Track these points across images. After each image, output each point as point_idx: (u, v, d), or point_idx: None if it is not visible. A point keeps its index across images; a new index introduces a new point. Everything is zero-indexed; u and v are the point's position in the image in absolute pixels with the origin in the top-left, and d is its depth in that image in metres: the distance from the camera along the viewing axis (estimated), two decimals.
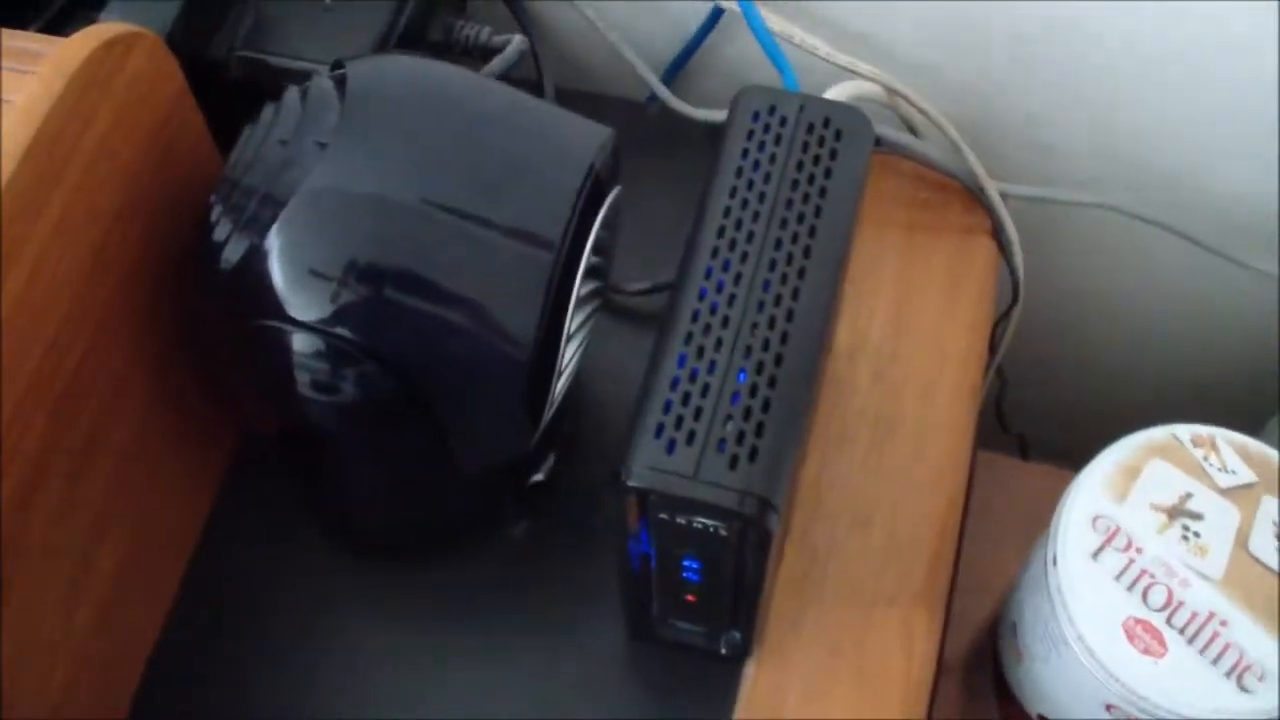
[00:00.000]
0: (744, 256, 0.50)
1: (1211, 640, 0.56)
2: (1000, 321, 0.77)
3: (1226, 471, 0.59)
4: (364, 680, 0.61)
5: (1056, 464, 0.73)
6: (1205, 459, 0.60)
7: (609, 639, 0.61)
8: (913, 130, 0.73)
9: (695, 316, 0.49)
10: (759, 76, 0.68)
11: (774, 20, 0.70)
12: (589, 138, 0.53)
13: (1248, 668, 0.55)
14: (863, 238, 0.68)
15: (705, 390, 0.47)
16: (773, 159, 0.52)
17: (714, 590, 0.54)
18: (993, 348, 0.77)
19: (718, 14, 0.75)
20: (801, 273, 0.50)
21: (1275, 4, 0.64)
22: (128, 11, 0.60)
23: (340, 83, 0.52)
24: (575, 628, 0.62)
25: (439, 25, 0.68)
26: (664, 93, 0.74)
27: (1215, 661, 0.56)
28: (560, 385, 0.53)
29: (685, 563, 0.52)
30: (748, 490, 0.46)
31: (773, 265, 0.50)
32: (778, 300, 0.49)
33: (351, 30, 0.64)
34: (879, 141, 0.70)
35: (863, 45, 0.73)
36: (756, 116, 0.54)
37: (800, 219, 0.51)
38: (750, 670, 0.60)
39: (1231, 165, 0.74)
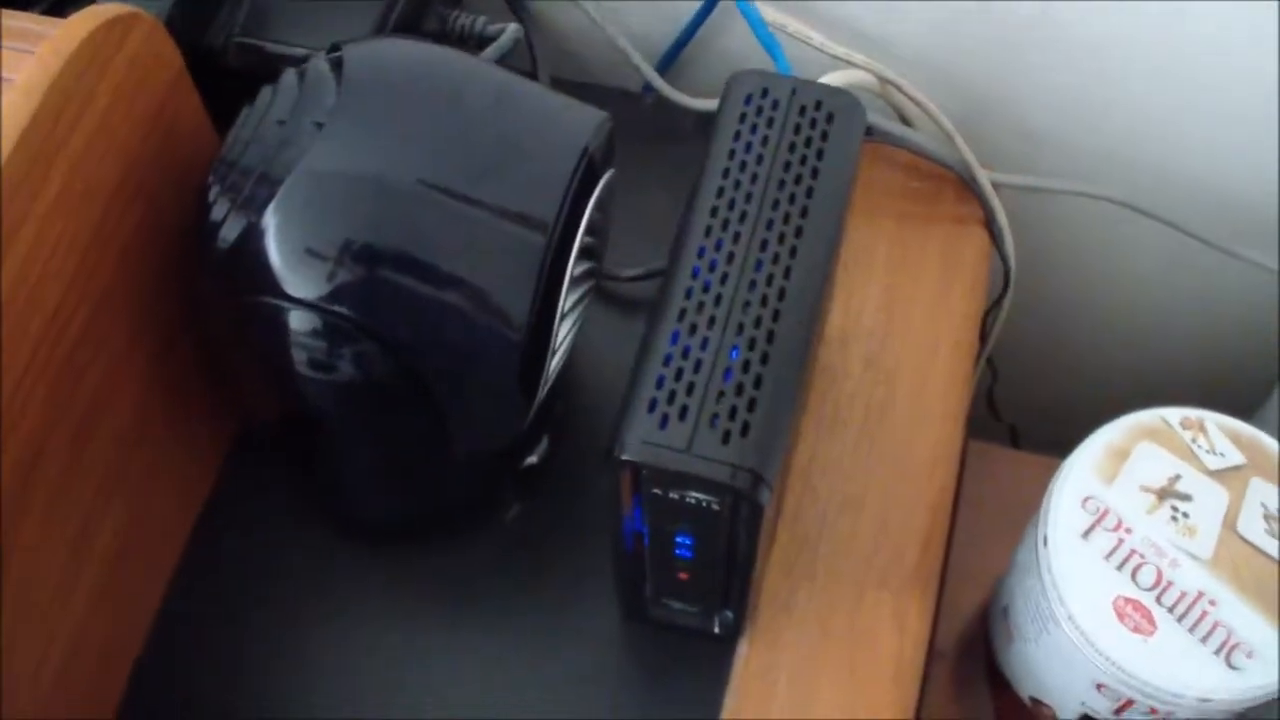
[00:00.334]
0: (736, 236, 0.51)
1: (1200, 619, 0.56)
2: (991, 310, 0.77)
3: (1215, 454, 0.60)
4: (360, 663, 0.61)
5: (1048, 454, 0.74)
6: (1194, 441, 0.60)
7: (603, 620, 0.62)
8: (905, 120, 0.74)
9: (689, 294, 0.49)
10: (753, 67, 0.69)
11: (768, 10, 0.71)
12: (584, 121, 0.54)
13: (1236, 646, 0.56)
14: (855, 226, 0.68)
15: (698, 366, 0.48)
16: (765, 141, 0.53)
17: (707, 568, 0.54)
18: (983, 337, 0.77)
19: (712, 4, 0.75)
20: (794, 251, 0.50)
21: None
22: None
23: (337, 65, 0.52)
24: (569, 609, 0.62)
25: (434, 14, 0.69)
26: (659, 83, 0.74)
27: (1204, 640, 0.56)
28: (555, 363, 0.54)
29: (678, 539, 0.52)
30: (740, 465, 0.46)
31: (765, 244, 0.50)
32: (770, 279, 0.50)
33: (348, 17, 0.65)
34: (871, 131, 0.71)
35: (856, 35, 0.74)
36: (749, 99, 0.54)
37: (792, 199, 0.52)
38: (743, 650, 0.61)
39: (1226, 156, 0.75)
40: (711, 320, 0.49)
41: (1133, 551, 0.58)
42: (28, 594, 0.52)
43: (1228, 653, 0.56)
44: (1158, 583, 0.57)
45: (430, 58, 0.55)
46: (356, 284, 0.50)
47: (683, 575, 0.55)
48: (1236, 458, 0.60)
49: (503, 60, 0.68)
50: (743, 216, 0.51)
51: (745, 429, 0.47)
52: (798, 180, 0.52)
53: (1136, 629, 0.57)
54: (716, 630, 0.59)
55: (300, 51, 0.64)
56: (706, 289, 0.49)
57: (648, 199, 0.67)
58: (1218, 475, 0.59)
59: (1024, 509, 0.65)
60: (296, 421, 0.58)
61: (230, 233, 0.50)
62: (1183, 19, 0.68)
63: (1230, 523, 0.58)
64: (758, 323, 0.49)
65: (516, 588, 0.63)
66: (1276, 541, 0.58)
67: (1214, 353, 0.87)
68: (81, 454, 0.54)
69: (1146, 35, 0.70)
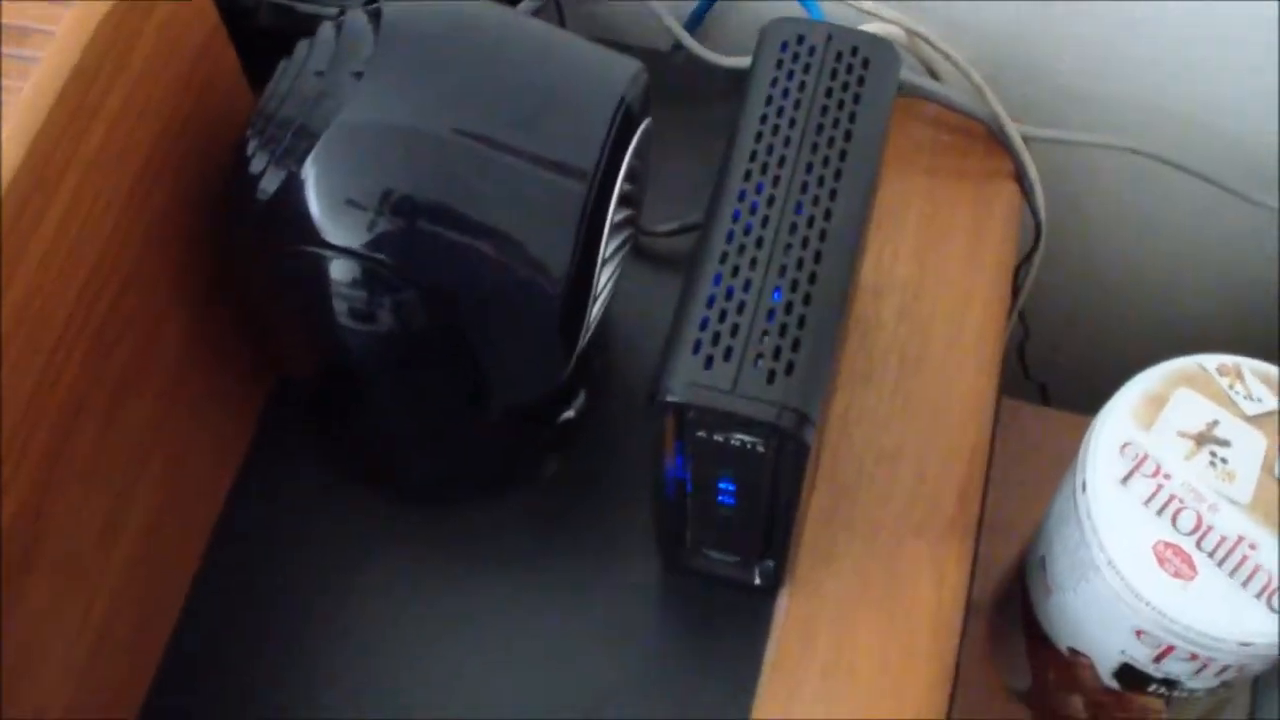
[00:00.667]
0: (776, 180, 0.51)
1: (1241, 563, 0.56)
2: (1022, 265, 0.77)
3: (1252, 399, 0.60)
4: (397, 621, 0.62)
5: (1077, 412, 0.74)
6: (1231, 387, 0.60)
7: (642, 573, 0.62)
8: (934, 74, 0.74)
9: (730, 237, 0.49)
10: None
11: None
12: (620, 70, 0.54)
13: (1277, 589, 0.56)
14: (886, 180, 0.68)
15: (741, 308, 0.48)
16: (802, 86, 0.53)
17: (749, 514, 0.54)
18: (1014, 292, 0.77)
19: None
20: (833, 194, 0.51)
21: None
22: None
23: (375, 16, 0.52)
24: (608, 563, 0.62)
25: None
26: (689, 41, 0.74)
27: (1245, 584, 0.56)
28: (595, 311, 0.54)
29: (720, 485, 0.52)
30: (785, 404, 0.46)
31: (804, 187, 0.51)
32: (810, 221, 0.50)
33: None
34: (901, 85, 0.71)
35: None
36: (785, 46, 0.54)
37: (830, 143, 0.52)
38: (783, 601, 0.61)
39: (1257, 108, 0.75)
40: (754, 262, 0.49)
41: (1172, 496, 0.58)
42: (70, 554, 0.53)
43: (1269, 596, 0.56)
44: (1197, 527, 0.57)
45: (467, 9, 0.54)
46: (397, 232, 0.50)
47: (724, 523, 0.55)
48: (1273, 403, 0.60)
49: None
50: (781, 160, 0.51)
51: (790, 368, 0.47)
52: (835, 124, 0.52)
53: (1177, 574, 0.57)
54: (757, 581, 0.59)
55: (331, 11, 0.64)
56: (748, 231, 0.49)
57: (677, 157, 0.67)
58: (1255, 420, 0.59)
59: (1055, 465, 0.65)
60: (334, 378, 0.58)
61: (270, 184, 0.51)
62: None
63: (1269, 467, 0.58)
64: (799, 264, 0.49)
65: (555, 543, 0.63)
66: None
67: (1246, 305, 0.87)
68: (120, 412, 0.54)
69: None
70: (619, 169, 0.53)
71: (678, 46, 0.75)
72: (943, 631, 0.61)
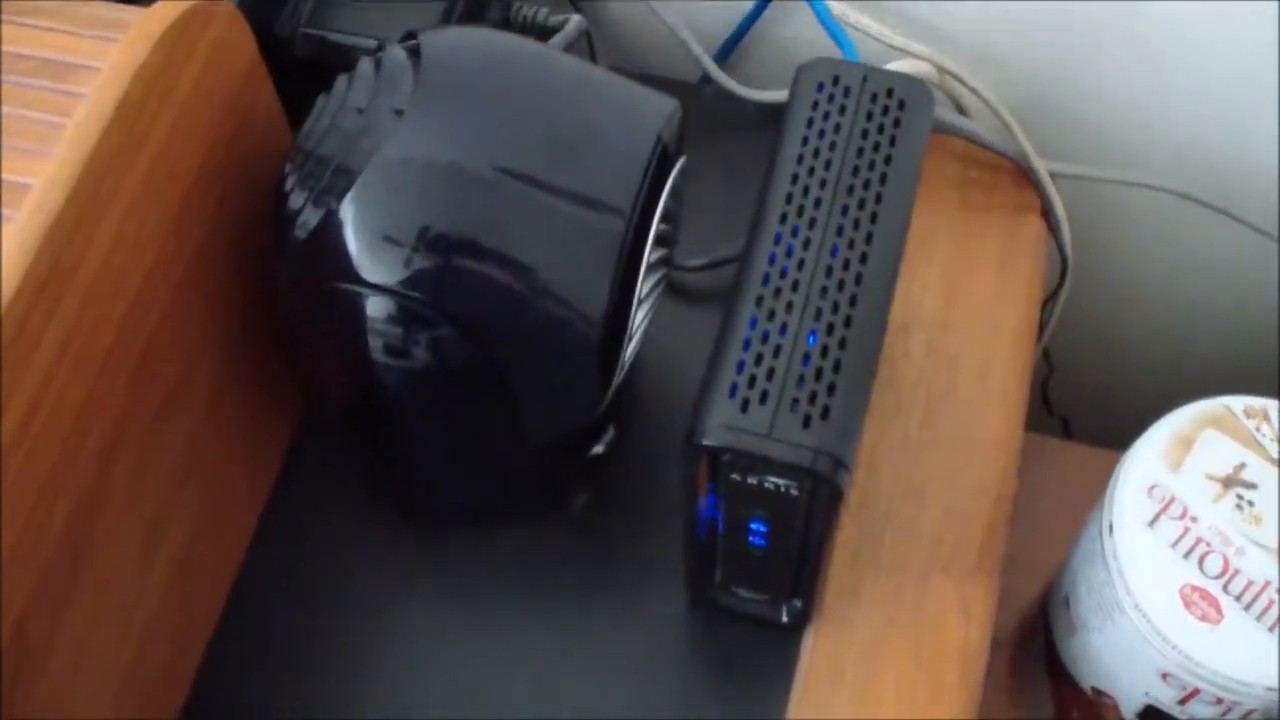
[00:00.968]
0: (812, 223, 0.51)
1: (1268, 608, 0.56)
2: (1047, 302, 0.77)
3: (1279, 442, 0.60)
4: (424, 649, 0.62)
5: (1101, 446, 0.74)
6: (1258, 429, 0.60)
7: (669, 608, 0.62)
8: (962, 110, 0.74)
9: (766, 280, 0.50)
10: (810, 56, 0.69)
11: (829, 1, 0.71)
12: (656, 108, 0.54)
13: None
14: (915, 215, 0.68)
15: (777, 351, 0.48)
16: (838, 128, 0.53)
17: (779, 555, 0.54)
18: (1040, 328, 0.77)
19: None
20: (869, 238, 0.51)
21: None
22: None
23: (414, 52, 0.53)
24: (635, 598, 0.62)
25: (498, 5, 0.69)
26: (718, 73, 0.74)
27: (1272, 629, 0.56)
28: (630, 350, 0.54)
29: (752, 526, 0.53)
30: (820, 449, 0.47)
31: (840, 231, 0.51)
32: (846, 265, 0.50)
33: (413, 9, 0.65)
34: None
35: (914, 26, 0.74)
36: (821, 87, 0.54)
37: (866, 186, 0.52)
38: (809, 639, 0.61)
39: None
40: (789, 306, 0.49)
41: (1199, 539, 0.58)
42: (108, 581, 0.53)
43: None
44: (1224, 571, 0.57)
45: (505, 46, 0.55)
46: (436, 271, 0.50)
47: (754, 563, 0.55)
48: None
49: (565, 51, 0.68)
50: (818, 203, 0.51)
51: (825, 413, 0.47)
52: (871, 166, 0.52)
53: (1204, 617, 0.57)
54: (784, 619, 0.60)
55: (366, 43, 0.64)
56: (784, 275, 0.50)
57: (707, 190, 0.67)
58: None
59: (1078, 501, 0.65)
60: (369, 409, 0.59)
61: (309, 220, 0.51)
62: (1242, 11, 0.68)
63: None
64: (835, 307, 0.49)
65: (582, 577, 0.63)
66: None
67: (1273, 345, 0.87)
68: (159, 439, 0.54)
69: (1205, 27, 0.70)
70: (655, 208, 0.53)
71: (706, 79, 0.76)
72: (969, 669, 0.61)
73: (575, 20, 0.68)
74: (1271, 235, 0.77)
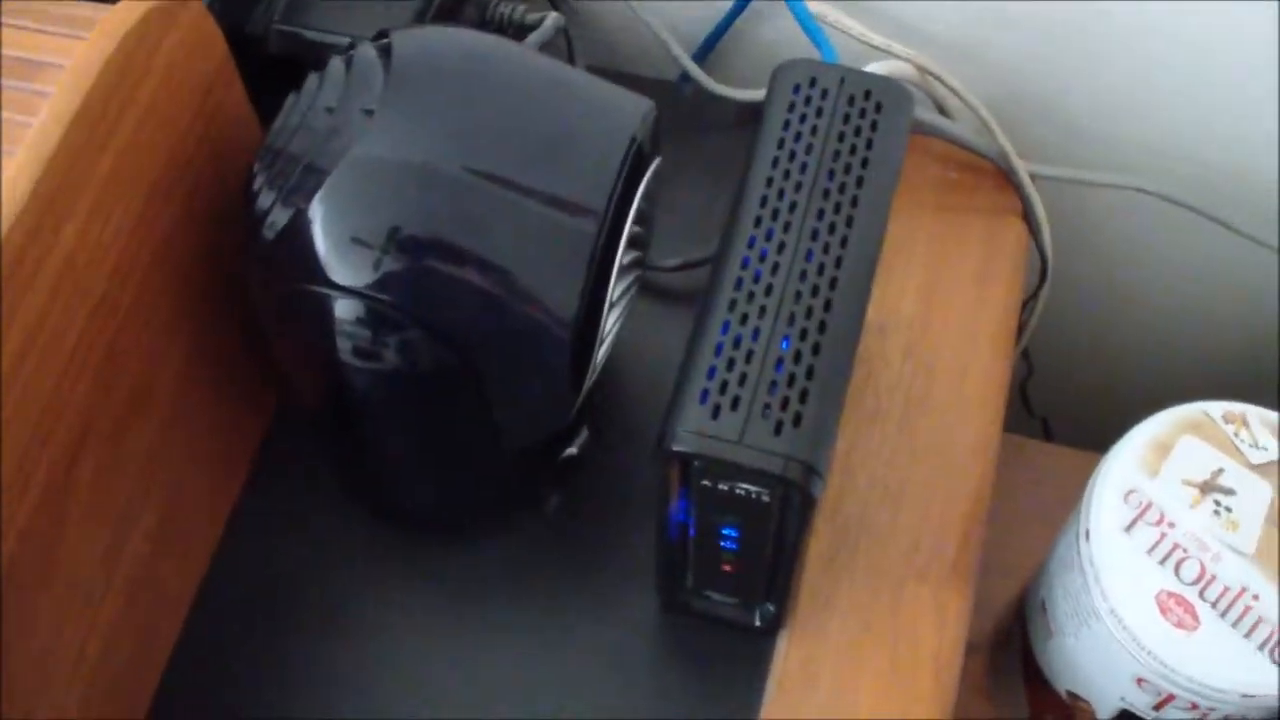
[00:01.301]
0: (787, 226, 0.50)
1: (1244, 614, 0.56)
2: (1027, 303, 0.77)
3: (1257, 448, 0.60)
4: (396, 653, 0.61)
5: (1081, 447, 0.74)
6: (1236, 435, 0.60)
7: (641, 612, 0.61)
8: (943, 111, 0.74)
9: (739, 284, 0.49)
10: (790, 56, 0.68)
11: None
12: (631, 108, 0.54)
13: (1279, 641, 0.56)
14: (893, 217, 0.68)
15: (749, 357, 0.48)
16: (814, 130, 0.53)
17: (751, 560, 0.54)
18: (1019, 329, 0.77)
19: None
20: (844, 241, 0.50)
21: None
22: None
23: (385, 51, 0.52)
24: (607, 601, 0.62)
25: (474, 2, 0.68)
26: (696, 72, 0.74)
27: (1248, 635, 0.56)
28: (602, 353, 0.54)
29: (724, 531, 0.52)
30: (792, 455, 0.46)
31: (815, 234, 0.50)
32: (821, 269, 0.50)
33: (389, 6, 0.65)
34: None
35: (895, 25, 0.73)
36: (797, 89, 0.54)
37: (842, 189, 0.51)
38: (782, 644, 0.60)
39: (1266, 149, 0.74)
40: (762, 310, 0.48)
41: (1175, 545, 0.58)
42: (70, 585, 0.52)
43: (1271, 648, 0.56)
44: (1200, 577, 0.57)
45: (478, 46, 0.54)
46: (405, 273, 0.50)
47: (726, 567, 0.55)
48: (1278, 452, 0.59)
49: (541, 50, 0.68)
50: (793, 206, 0.51)
51: (797, 419, 0.46)
52: (847, 170, 0.52)
53: (1179, 624, 0.56)
54: (757, 623, 0.59)
55: (341, 40, 0.63)
56: (757, 279, 0.49)
57: (683, 190, 0.67)
58: (1260, 469, 0.59)
59: (1057, 503, 0.65)
60: (340, 410, 0.58)
61: (277, 221, 0.50)
62: (1224, 12, 0.68)
63: (1273, 517, 0.58)
64: (809, 313, 0.49)
65: (555, 579, 0.63)
66: None
67: (1251, 347, 0.87)
68: (123, 441, 0.54)
69: (1186, 27, 0.69)
70: (629, 210, 0.52)
71: (685, 77, 0.75)
72: (944, 675, 0.60)
73: (552, 18, 0.68)
74: (1251, 237, 0.77)
